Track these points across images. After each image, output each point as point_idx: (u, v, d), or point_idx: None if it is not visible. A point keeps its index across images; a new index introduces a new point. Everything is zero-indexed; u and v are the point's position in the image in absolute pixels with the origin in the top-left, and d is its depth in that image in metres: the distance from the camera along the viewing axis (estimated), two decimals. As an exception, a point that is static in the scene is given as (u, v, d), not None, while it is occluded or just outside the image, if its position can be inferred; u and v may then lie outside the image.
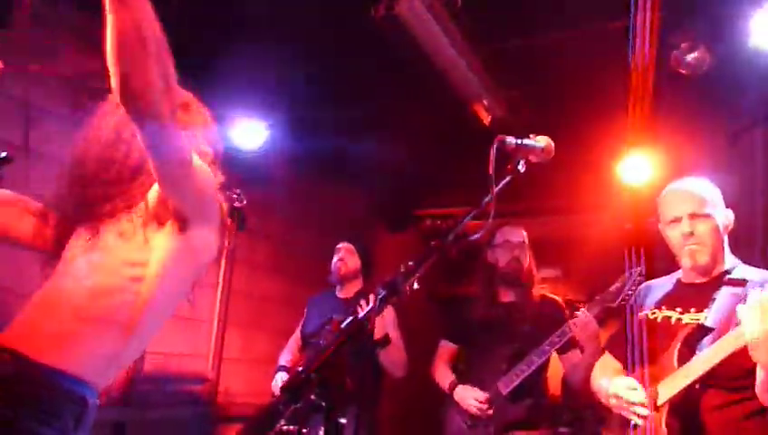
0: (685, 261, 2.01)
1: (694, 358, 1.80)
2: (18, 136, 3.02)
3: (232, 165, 1.80)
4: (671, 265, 2.12)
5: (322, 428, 2.41)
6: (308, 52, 3.36)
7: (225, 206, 1.65)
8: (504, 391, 2.82)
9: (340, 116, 4.08)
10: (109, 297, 1.43)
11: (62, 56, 2.82)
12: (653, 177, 3.75)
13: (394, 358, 3.01)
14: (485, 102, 3.71)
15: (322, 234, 3.92)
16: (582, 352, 2.78)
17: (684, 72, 3.15)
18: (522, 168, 1.54)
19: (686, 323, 1.94)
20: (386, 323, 2.91)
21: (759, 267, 2.01)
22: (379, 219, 5.86)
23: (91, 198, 1.50)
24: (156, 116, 1.26)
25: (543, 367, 2.89)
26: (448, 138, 4.27)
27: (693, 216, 1.97)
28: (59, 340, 1.40)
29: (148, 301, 1.46)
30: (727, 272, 2.00)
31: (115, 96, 1.24)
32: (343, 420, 2.71)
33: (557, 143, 1.60)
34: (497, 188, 1.41)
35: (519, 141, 1.55)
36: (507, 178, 1.50)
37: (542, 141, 1.58)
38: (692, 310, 1.97)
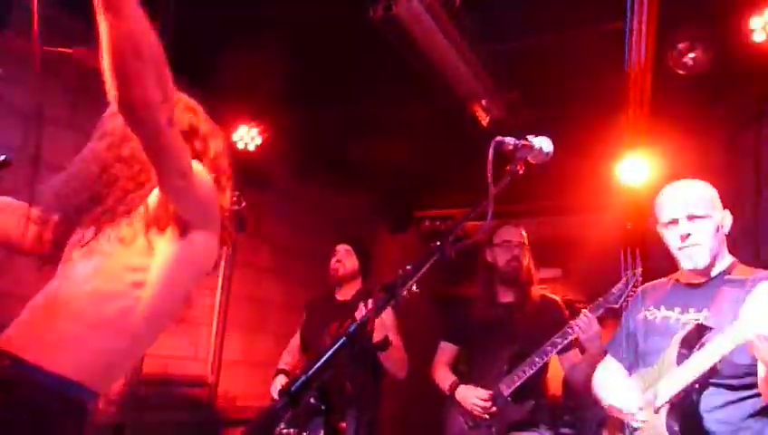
0: (683, 262, 2.01)
1: (692, 357, 1.81)
2: (18, 139, 3.02)
3: (231, 167, 1.80)
4: (670, 265, 2.12)
5: (322, 431, 2.41)
6: (306, 52, 3.36)
7: (228, 211, 1.65)
8: (506, 392, 2.82)
9: (339, 118, 4.08)
10: (109, 302, 1.43)
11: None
12: (651, 177, 3.75)
13: (395, 360, 3.00)
14: (484, 103, 3.71)
15: (322, 236, 3.91)
16: (583, 352, 2.78)
17: (682, 72, 3.16)
18: (520, 169, 1.54)
19: (685, 324, 1.94)
20: (386, 326, 2.91)
21: (757, 268, 2.01)
22: (379, 220, 5.87)
23: (92, 201, 1.50)
24: (153, 125, 1.26)
25: (544, 368, 2.88)
26: (448, 139, 4.28)
27: (690, 217, 1.97)
28: (58, 344, 1.39)
29: (149, 306, 1.46)
30: (725, 272, 2.00)
31: (113, 105, 1.23)
32: (343, 424, 2.70)
33: (556, 144, 1.60)
34: (496, 190, 1.41)
35: (517, 142, 1.55)
36: (506, 179, 1.50)
37: (540, 142, 1.58)
38: (691, 310, 1.97)
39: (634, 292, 2.38)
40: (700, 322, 1.89)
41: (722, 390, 1.85)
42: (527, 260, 3.05)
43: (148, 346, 1.56)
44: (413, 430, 5.04)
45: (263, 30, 3.04)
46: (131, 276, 1.45)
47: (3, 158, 1.71)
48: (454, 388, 2.97)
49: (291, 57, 3.24)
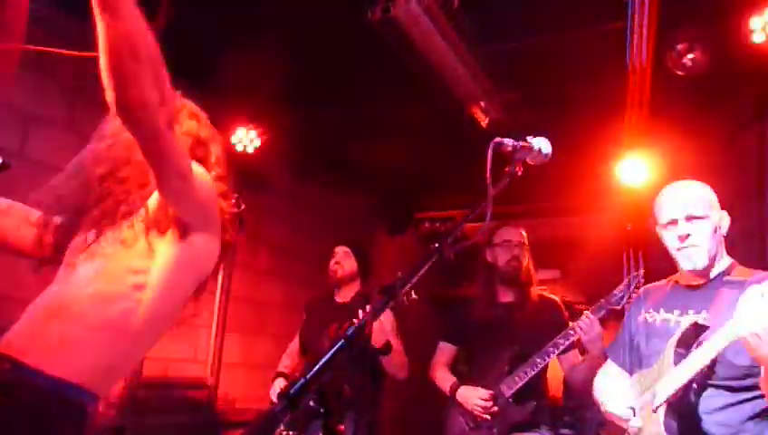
0: (682, 263, 2.01)
1: (689, 356, 1.80)
2: (16, 142, 3.02)
3: (230, 169, 1.80)
4: (670, 266, 2.12)
5: (321, 434, 2.40)
6: (305, 54, 3.36)
7: (229, 214, 1.65)
8: (508, 393, 2.82)
9: (338, 119, 4.08)
10: (111, 305, 1.43)
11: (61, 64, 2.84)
12: (651, 178, 3.75)
13: (396, 363, 3.00)
14: (482, 104, 3.71)
15: (322, 238, 3.91)
16: (584, 353, 2.77)
17: (681, 73, 3.15)
18: (519, 170, 1.54)
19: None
20: (386, 329, 2.90)
21: (756, 269, 2.01)
22: (378, 222, 5.87)
23: (93, 203, 1.50)
24: (151, 127, 1.25)
25: (545, 369, 2.88)
26: (447, 140, 4.28)
27: (689, 218, 1.96)
28: (59, 347, 1.39)
29: (150, 308, 1.46)
30: (724, 273, 2.00)
31: (111, 108, 1.23)
32: (342, 426, 2.70)
33: (555, 145, 1.60)
34: (495, 191, 1.41)
35: (516, 143, 1.55)
36: (505, 180, 1.50)
37: (539, 143, 1.58)
38: (690, 312, 1.97)
39: (636, 293, 2.37)
40: (697, 322, 1.89)
41: (721, 391, 1.84)
42: (527, 260, 3.06)
43: (149, 349, 1.56)
44: (413, 430, 5.04)
45: (262, 31, 3.04)
46: (132, 279, 1.45)
47: (1, 161, 1.71)
48: (455, 389, 2.97)
49: (290, 58, 3.24)
